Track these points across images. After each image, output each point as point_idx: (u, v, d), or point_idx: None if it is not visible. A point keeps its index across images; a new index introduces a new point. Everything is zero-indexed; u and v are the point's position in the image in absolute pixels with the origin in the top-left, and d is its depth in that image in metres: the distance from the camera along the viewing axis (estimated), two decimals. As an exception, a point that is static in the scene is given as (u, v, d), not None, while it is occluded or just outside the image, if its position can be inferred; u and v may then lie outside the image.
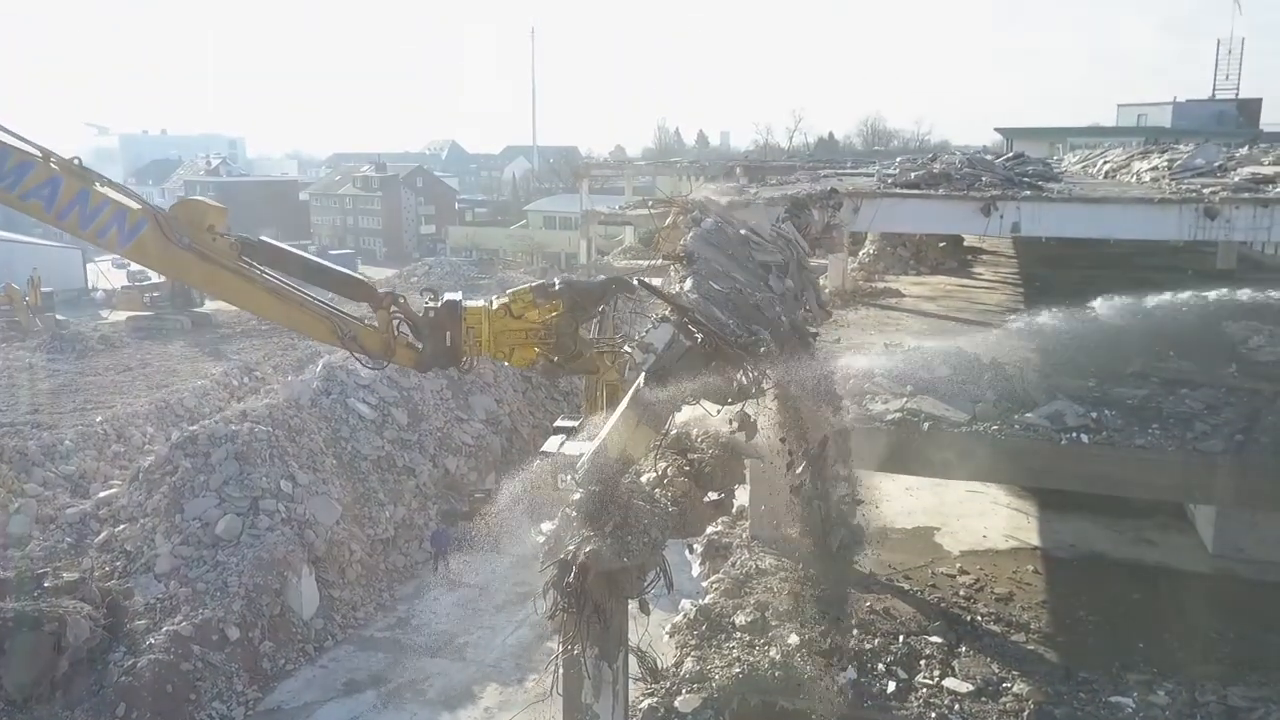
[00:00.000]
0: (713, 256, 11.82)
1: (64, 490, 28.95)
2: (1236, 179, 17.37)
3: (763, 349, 10.40)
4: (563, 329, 11.20)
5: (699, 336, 10.09)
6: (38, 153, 10.91)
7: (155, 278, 72.29)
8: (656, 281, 11.63)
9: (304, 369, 37.63)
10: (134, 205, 11.17)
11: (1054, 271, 29.42)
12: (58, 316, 56.79)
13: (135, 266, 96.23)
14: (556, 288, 11.41)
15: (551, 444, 35.17)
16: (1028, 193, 16.76)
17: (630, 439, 10.48)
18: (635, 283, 11.01)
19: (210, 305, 65.65)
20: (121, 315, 59.74)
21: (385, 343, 11.36)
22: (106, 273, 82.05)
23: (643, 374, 10.41)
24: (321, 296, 12.11)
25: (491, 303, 11.34)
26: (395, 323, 11.40)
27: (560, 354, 11.28)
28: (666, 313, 10.39)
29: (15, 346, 49.24)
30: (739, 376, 10.44)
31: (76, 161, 11.00)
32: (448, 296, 11.41)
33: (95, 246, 11.34)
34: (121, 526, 25.39)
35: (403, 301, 11.57)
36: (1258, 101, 61.71)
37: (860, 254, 33.51)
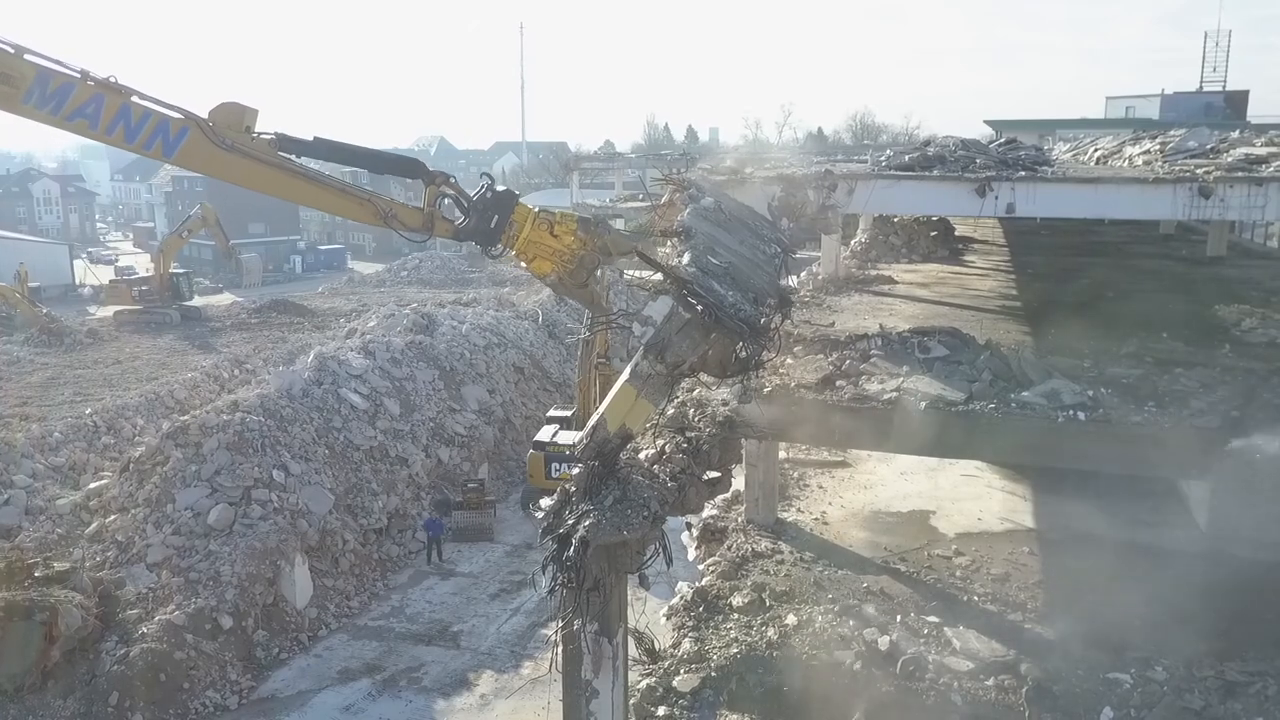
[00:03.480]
0: (710, 231, 11.78)
1: (54, 481, 28.74)
2: (1230, 159, 17.38)
3: (763, 320, 10.36)
4: (585, 261, 12.00)
5: (698, 309, 10.03)
6: (76, 73, 11.19)
7: (143, 272, 71.93)
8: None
9: (295, 360, 37.47)
10: (175, 115, 11.49)
11: (1046, 259, 29.54)
12: (44, 311, 56.36)
13: (123, 262, 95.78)
14: (597, 228, 12.30)
15: (545, 433, 35.29)
16: (1022, 173, 16.71)
17: (629, 412, 10.44)
18: (638, 253, 11.11)
19: (199, 299, 65.35)
20: (109, 310, 59.34)
21: (426, 218, 12.11)
22: (94, 268, 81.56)
23: (641, 346, 10.37)
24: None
25: (539, 213, 12.19)
26: (438, 200, 12.17)
27: (572, 278, 12.07)
28: (666, 285, 10.34)
29: (1, 341, 48.87)
30: (739, 349, 10.40)
31: (112, 79, 11.31)
32: (503, 188, 12.25)
33: (147, 159, 12.08)
34: (112, 517, 25.20)
35: (453, 180, 12.38)
36: (1245, 94, 61.93)
37: (852, 242, 33.55)
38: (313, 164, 12.52)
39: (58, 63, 11.17)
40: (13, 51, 11.07)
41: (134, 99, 11.38)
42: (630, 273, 12.42)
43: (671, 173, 16.10)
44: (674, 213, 13.19)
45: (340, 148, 12.63)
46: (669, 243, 12.21)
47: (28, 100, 11.16)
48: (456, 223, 12.21)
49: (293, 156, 11.91)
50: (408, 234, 12.24)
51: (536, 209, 12.26)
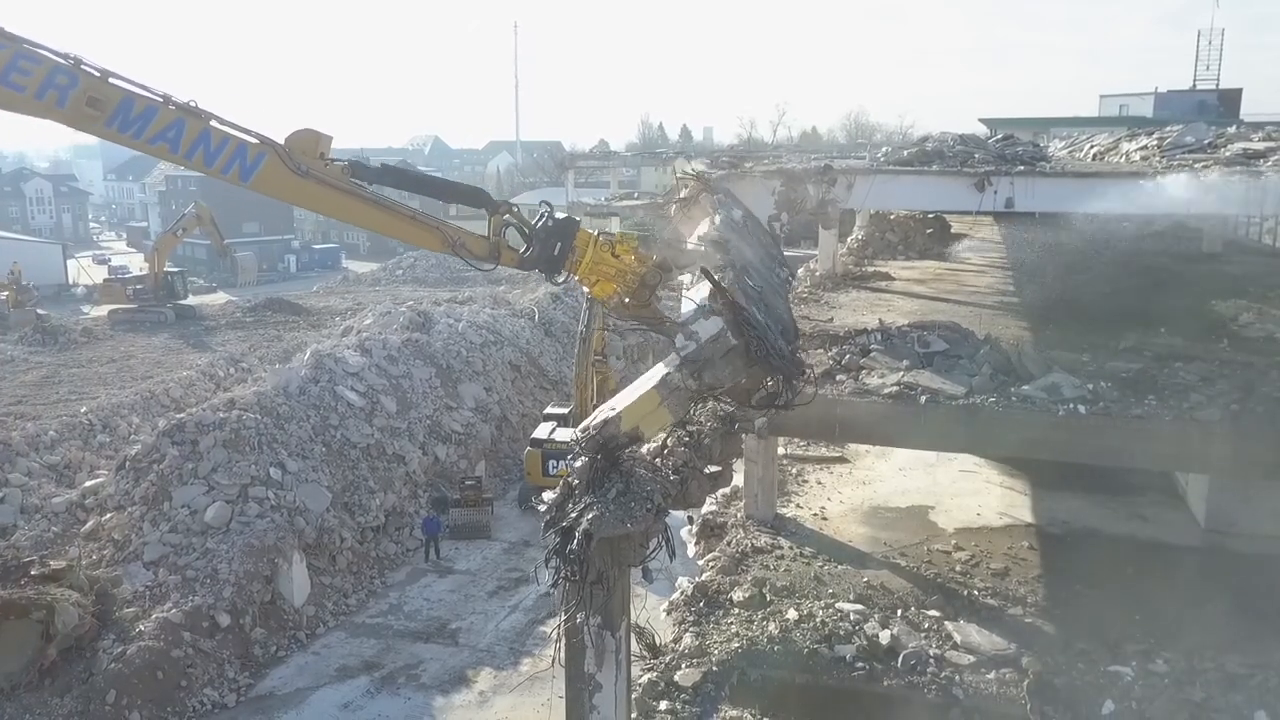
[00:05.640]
0: (740, 247, 11.91)
1: (49, 480, 28.58)
2: (1228, 154, 17.44)
3: (801, 369, 10.55)
4: (648, 279, 11.90)
5: (747, 339, 10.17)
6: (159, 98, 11.30)
7: (137, 271, 71.64)
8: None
9: (291, 358, 37.37)
10: (252, 140, 11.62)
11: (1040, 255, 29.58)
12: (38, 310, 56.20)
13: (116, 261, 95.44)
14: (657, 244, 12.48)
15: (542, 431, 35.10)
16: (1021, 168, 16.77)
17: (647, 417, 10.48)
18: (700, 269, 11.20)
19: (194, 298, 65.10)
20: (103, 309, 59.13)
21: (492, 247, 12.20)
22: (87, 268, 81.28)
23: (680, 358, 10.37)
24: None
25: (599, 236, 12.27)
26: (504, 229, 12.27)
27: (635, 299, 12.00)
28: (718, 306, 10.37)
29: (-5, 340, 48.67)
30: (769, 383, 10.54)
31: (192, 103, 11.42)
32: (564, 214, 12.35)
33: (224, 182, 12.15)
34: (109, 515, 25.05)
35: (516, 209, 12.46)
36: (1238, 92, 61.89)
37: (849, 239, 33.58)
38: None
39: (142, 87, 11.25)
40: (99, 75, 11.12)
41: (213, 124, 11.49)
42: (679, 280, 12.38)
43: (696, 171, 15.96)
44: (698, 212, 13.23)
45: (407, 175, 12.97)
46: (701, 248, 12.25)
47: (110, 124, 11.22)
48: (520, 251, 12.30)
49: (363, 183, 12.06)
50: (475, 263, 12.31)
51: (596, 232, 12.30)
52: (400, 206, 12.34)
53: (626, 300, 12.03)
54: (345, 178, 11.86)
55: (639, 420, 10.39)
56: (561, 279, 12.29)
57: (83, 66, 11.09)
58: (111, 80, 11.14)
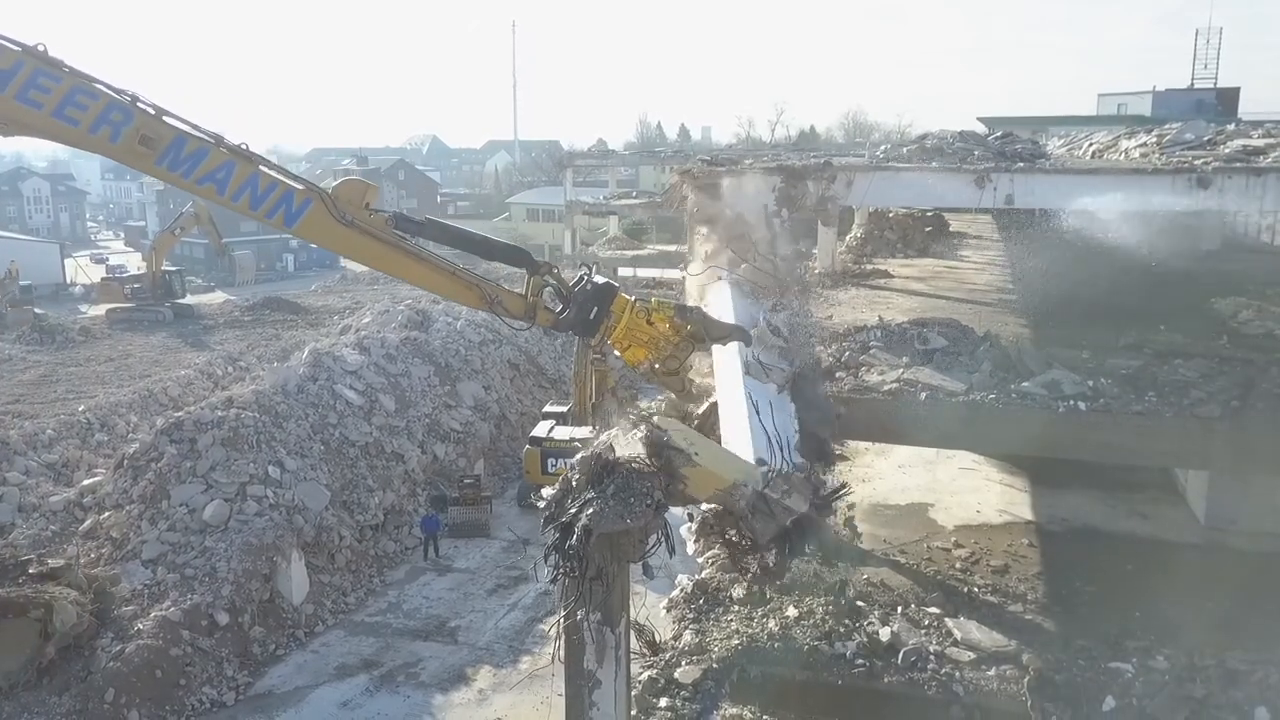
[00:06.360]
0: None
1: (47, 479, 28.52)
2: (1227, 151, 17.43)
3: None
4: (680, 349, 12.10)
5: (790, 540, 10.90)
6: (210, 139, 11.34)
7: (134, 269, 71.47)
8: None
9: (290, 356, 37.32)
10: (299, 186, 11.68)
11: (1039, 253, 29.52)
12: (35, 310, 56.08)
13: (114, 260, 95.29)
14: (692, 314, 12.34)
15: (541, 429, 35.07)
16: (1020, 165, 16.76)
17: (698, 482, 10.78)
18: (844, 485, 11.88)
19: (192, 297, 64.96)
20: (101, 308, 59.00)
21: (528, 306, 12.27)
22: (85, 267, 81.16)
23: (761, 491, 10.64)
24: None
25: (636, 303, 12.29)
26: (543, 289, 12.31)
27: (664, 366, 12.17)
28: (816, 499, 10.87)
29: (-7, 339, 48.55)
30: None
31: (243, 146, 11.49)
32: (603, 279, 12.44)
33: (268, 227, 12.15)
34: (107, 514, 25.03)
35: (556, 271, 12.51)
36: (1236, 90, 61.86)
37: (848, 237, 33.53)
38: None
39: (194, 127, 11.30)
40: (153, 113, 11.15)
41: (262, 168, 11.56)
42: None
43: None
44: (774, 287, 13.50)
45: (450, 230, 12.98)
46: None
47: (161, 162, 11.25)
48: (557, 312, 12.35)
49: (405, 235, 12.06)
50: (510, 321, 12.30)
51: (633, 299, 12.29)
52: (441, 261, 12.34)
53: (656, 367, 12.16)
54: (388, 229, 11.83)
55: (693, 477, 10.56)
56: (595, 342, 12.44)
57: (138, 104, 11.12)
58: (165, 119, 11.22)
